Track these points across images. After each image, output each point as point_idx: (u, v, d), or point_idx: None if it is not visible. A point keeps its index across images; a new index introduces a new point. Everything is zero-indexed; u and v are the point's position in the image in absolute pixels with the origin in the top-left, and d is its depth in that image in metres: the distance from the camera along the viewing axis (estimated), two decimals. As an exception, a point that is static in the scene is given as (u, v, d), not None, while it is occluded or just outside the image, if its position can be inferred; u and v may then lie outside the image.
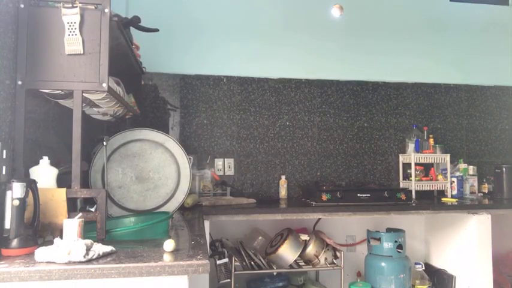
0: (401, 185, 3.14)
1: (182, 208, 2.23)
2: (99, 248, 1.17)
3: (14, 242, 1.18)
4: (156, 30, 2.12)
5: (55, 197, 1.38)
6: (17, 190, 1.19)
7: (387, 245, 2.74)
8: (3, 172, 1.31)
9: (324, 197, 2.59)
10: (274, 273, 2.75)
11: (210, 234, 2.45)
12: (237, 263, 2.53)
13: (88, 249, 1.13)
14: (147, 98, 2.97)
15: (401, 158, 3.18)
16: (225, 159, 3.04)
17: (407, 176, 3.14)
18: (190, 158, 2.12)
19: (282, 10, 3.19)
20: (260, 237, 2.80)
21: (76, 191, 1.43)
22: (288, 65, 3.16)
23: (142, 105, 2.78)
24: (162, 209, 1.98)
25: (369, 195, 2.65)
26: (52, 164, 1.49)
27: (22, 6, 1.45)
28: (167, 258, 1.17)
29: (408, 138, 3.24)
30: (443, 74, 3.39)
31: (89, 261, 1.11)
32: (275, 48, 3.15)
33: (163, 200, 2.00)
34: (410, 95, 3.34)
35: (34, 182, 1.27)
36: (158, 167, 2.01)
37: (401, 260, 2.74)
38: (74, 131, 1.46)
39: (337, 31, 3.26)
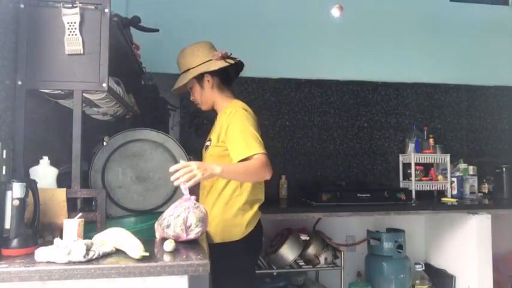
0: (401, 185, 3.13)
1: (182, 208, 2.23)
2: (99, 248, 1.17)
3: (14, 242, 1.18)
4: (156, 30, 2.12)
5: (55, 197, 1.38)
6: (17, 190, 1.19)
7: (387, 245, 2.74)
8: (3, 172, 1.31)
9: (324, 197, 2.59)
10: (274, 273, 2.75)
11: (210, 234, 2.44)
12: (237, 263, 2.53)
13: (88, 249, 1.13)
14: (147, 98, 2.96)
15: (401, 158, 3.18)
16: (225, 159, 3.03)
17: (407, 176, 3.13)
18: (190, 158, 2.12)
19: (282, 10, 3.19)
20: (260, 237, 2.80)
21: (76, 191, 1.43)
22: (288, 65, 3.16)
23: (142, 105, 2.77)
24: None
25: (368, 195, 2.65)
26: (52, 164, 1.49)
27: (22, 6, 1.45)
28: (167, 258, 1.17)
29: (408, 138, 3.24)
30: (443, 74, 3.39)
31: (89, 261, 1.11)
32: (275, 48, 3.14)
33: (163, 200, 1.99)
34: (410, 95, 3.34)
35: (34, 182, 1.27)
36: (158, 167, 2.01)
37: (401, 260, 2.74)
38: (74, 131, 1.45)
39: (337, 31, 3.26)
